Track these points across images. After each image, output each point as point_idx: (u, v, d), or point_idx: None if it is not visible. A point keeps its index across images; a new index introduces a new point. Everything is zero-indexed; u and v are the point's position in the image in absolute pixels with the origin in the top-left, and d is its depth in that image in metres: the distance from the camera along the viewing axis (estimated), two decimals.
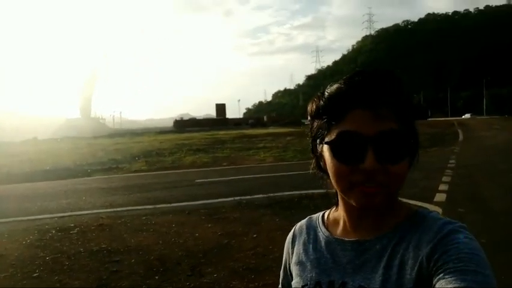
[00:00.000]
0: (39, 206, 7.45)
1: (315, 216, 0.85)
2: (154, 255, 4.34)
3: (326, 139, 0.69)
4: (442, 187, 7.27)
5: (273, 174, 10.60)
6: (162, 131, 55.00)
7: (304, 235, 0.82)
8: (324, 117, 0.70)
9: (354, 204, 0.68)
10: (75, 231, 5.45)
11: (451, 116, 75.76)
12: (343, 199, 0.73)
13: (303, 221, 0.86)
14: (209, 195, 7.68)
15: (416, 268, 0.62)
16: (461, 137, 23.53)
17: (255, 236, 4.92)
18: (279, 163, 13.17)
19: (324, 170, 0.74)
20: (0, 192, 9.67)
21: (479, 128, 32.84)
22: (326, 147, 0.69)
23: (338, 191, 0.72)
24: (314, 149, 0.75)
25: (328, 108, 0.69)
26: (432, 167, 10.06)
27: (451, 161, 10.83)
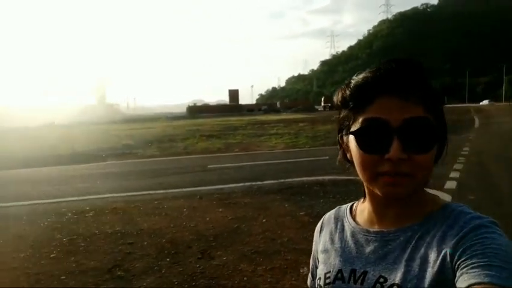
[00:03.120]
0: (57, 189, 7.69)
1: (343, 206, 0.86)
2: (166, 238, 4.48)
3: (352, 129, 0.69)
4: (453, 174, 7.21)
5: (284, 161, 10.66)
6: (175, 117, 55.40)
7: (332, 224, 0.84)
8: (349, 106, 0.70)
9: (378, 193, 0.68)
10: (90, 214, 5.63)
11: (468, 103, 74.11)
12: (369, 190, 0.73)
13: (332, 211, 0.88)
14: (220, 181, 7.80)
15: (438, 262, 0.61)
16: (476, 123, 23.11)
17: (264, 220, 5.01)
18: (291, 149, 13.17)
19: (351, 161, 0.74)
20: (18, 176, 9.99)
21: (496, 114, 32.12)
22: (351, 138, 0.69)
23: (363, 181, 0.71)
24: (340, 140, 0.76)
25: (354, 97, 0.69)
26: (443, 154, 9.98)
27: (464, 148, 10.68)
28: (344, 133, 0.73)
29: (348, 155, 0.74)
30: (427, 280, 0.61)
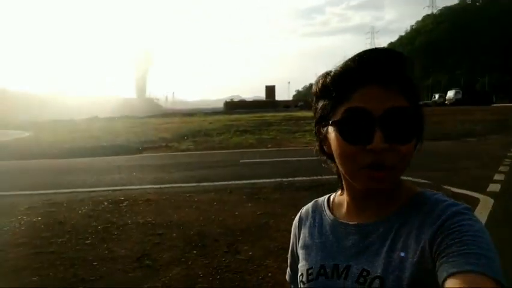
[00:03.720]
0: (95, 179, 8.02)
1: (320, 199, 0.85)
2: (194, 231, 4.54)
3: (332, 119, 0.67)
4: (498, 177, 6.79)
5: (317, 158, 10.50)
6: (212, 112, 56.22)
7: (310, 218, 0.82)
8: (330, 96, 0.68)
9: (359, 187, 0.67)
10: (124, 204, 5.82)
11: None
12: (347, 182, 0.72)
13: (309, 205, 0.86)
14: (252, 176, 7.81)
15: (418, 251, 0.61)
16: None
17: (293, 217, 4.88)
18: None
19: (327, 154, 0.73)
20: (62, 165, 10.54)
21: None
22: (331, 128, 0.67)
23: (343, 173, 0.70)
24: (318, 132, 0.74)
25: (335, 86, 0.67)
26: (489, 156, 9.44)
27: None
28: (323, 124, 0.71)
29: (325, 147, 0.72)
30: (408, 270, 0.61)
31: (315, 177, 7.25)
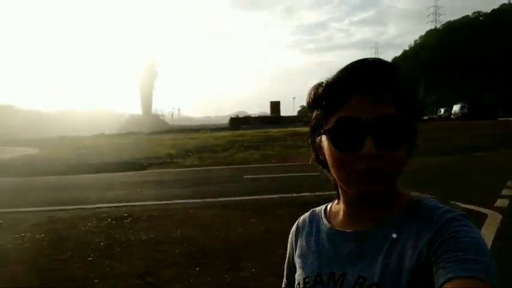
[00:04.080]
0: (99, 195, 8.03)
1: (318, 208, 0.86)
2: (197, 247, 4.50)
3: (324, 128, 0.69)
4: (506, 192, 6.68)
5: (322, 173, 10.45)
6: (218, 128, 56.44)
7: (307, 228, 0.83)
8: (322, 105, 0.70)
9: (353, 193, 0.69)
10: (128, 221, 5.80)
11: None
12: (342, 190, 0.73)
13: (306, 214, 0.87)
14: (256, 191, 7.76)
15: (415, 257, 0.62)
16: None
17: None
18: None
19: (323, 163, 0.74)
20: (67, 182, 10.57)
21: None
22: (324, 138, 0.69)
23: (337, 181, 0.71)
24: (312, 141, 0.75)
25: (326, 96, 0.69)
26: (498, 170, 9.33)
27: None
28: (316, 133, 0.72)
29: (320, 156, 0.73)
30: (405, 276, 0.61)
31: (319, 193, 7.17)
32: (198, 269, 3.89)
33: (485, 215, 5.21)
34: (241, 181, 9.48)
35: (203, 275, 3.74)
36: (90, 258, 4.28)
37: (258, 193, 7.57)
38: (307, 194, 7.22)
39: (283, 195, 7.18)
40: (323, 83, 0.71)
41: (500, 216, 5.12)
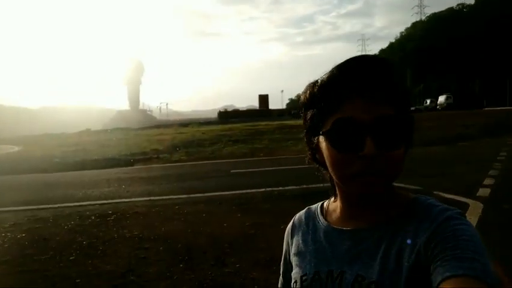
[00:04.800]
0: (84, 193, 7.91)
1: (313, 206, 0.86)
2: (181, 244, 4.46)
3: (323, 129, 0.68)
4: (488, 181, 6.79)
5: (309, 166, 10.46)
6: (206, 122, 56.15)
7: (303, 226, 0.83)
8: (318, 106, 0.69)
9: (353, 193, 0.69)
10: (112, 218, 5.72)
11: (510, 106, 70.40)
12: (340, 189, 0.73)
13: (302, 212, 0.86)
14: (242, 186, 7.74)
15: (413, 256, 0.62)
16: None
17: (282, 227, 4.81)
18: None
19: (320, 162, 0.73)
20: (50, 179, 10.39)
21: None
22: (322, 138, 0.69)
23: (336, 181, 0.71)
24: (309, 141, 0.74)
25: (322, 97, 0.68)
26: (479, 159, 9.48)
27: (501, 153, 10.08)
28: (313, 134, 0.72)
29: (317, 155, 0.73)
30: (403, 275, 0.62)
31: (305, 186, 7.20)
32: (181, 265, 3.85)
33: (467, 205, 5.28)
34: (228, 175, 9.45)
35: (187, 271, 3.70)
36: (72, 258, 4.20)
37: (244, 187, 7.54)
38: (294, 187, 7.23)
39: (270, 188, 7.17)
40: (318, 81, 0.70)
41: (481, 206, 5.20)
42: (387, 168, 0.64)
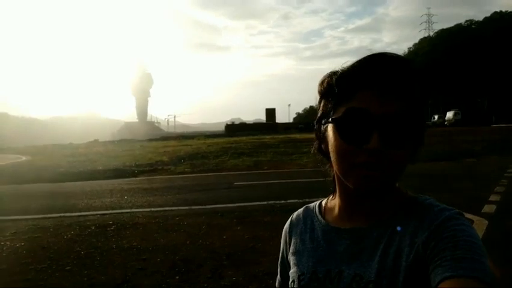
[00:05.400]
0: (86, 203, 7.91)
1: (312, 204, 0.85)
2: (179, 256, 4.41)
3: (333, 116, 0.68)
4: (493, 198, 6.65)
5: (312, 179, 10.37)
6: (212, 135, 56.35)
7: (301, 224, 0.81)
8: (333, 94, 0.69)
9: (351, 186, 0.67)
10: (112, 229, 5.70)
11: None
12: (340, 185, 0.72)
13: (300, 210, 0.85)
14: (244, 198, 7.68)
15: (412, 255, 0.61)
16: None
17: (281, 240, 4.81)
18: (321, 168, 12.81)
19: (324, 153, 0.73)
20: (54, 189, 10.44)
21: None
22: (330, 127, 0.68)
23: (336, 173, 0.71)
24: (318, 130, 0.74)
25: (338, 86, 0.68)
26: (485, 176, 9.32)
27: (508, 170, 9.91)
28: (323, 122, 0.71)
29: (323, 146, 0.73)
30: (402, 274, 0.61)
31: (307, 199, 7.10)
32: (177, 277, 3.80)
33: (471, 221, 5.15)
34: (231, 188, 9.39)
35: (183, 284, 3.65)
36: (68, 268, 4.17)
37: (246, 200, 7.48)
38: (295, 200, 7.14)
39: (272, 201, 7.10)
40: (338, 71, 0.70)
41: (486, 222, 5.08)
42: (388, 166, 0.63)
